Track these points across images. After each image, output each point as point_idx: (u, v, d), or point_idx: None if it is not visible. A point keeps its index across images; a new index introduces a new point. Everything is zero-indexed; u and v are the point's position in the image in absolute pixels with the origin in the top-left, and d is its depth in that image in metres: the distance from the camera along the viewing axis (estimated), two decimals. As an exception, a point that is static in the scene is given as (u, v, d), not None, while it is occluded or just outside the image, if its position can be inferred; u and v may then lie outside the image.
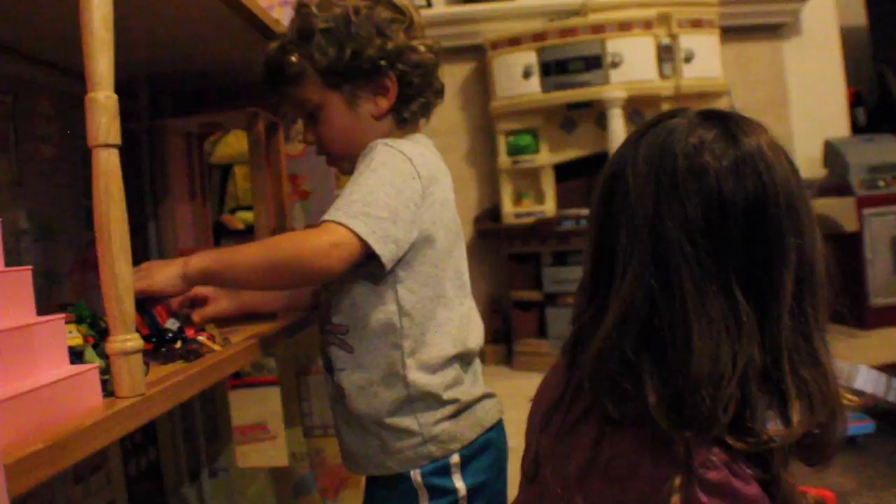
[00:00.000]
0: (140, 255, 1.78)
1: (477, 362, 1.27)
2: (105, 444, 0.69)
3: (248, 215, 4.21)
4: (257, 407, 3.25)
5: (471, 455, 1.19)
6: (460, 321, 1.22)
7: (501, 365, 4.17)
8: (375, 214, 1.07)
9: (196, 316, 1.21)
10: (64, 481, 1.31)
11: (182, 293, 1.14)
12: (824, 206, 4.05)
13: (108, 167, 0.75)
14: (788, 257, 0.73)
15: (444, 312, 1.19)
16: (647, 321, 0.74)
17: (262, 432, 3.09)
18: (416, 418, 1.16)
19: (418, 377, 1.15)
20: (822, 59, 4.57)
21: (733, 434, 0.70)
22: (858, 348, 3.55)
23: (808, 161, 4.41)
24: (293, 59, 1.19)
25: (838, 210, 3.99)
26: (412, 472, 1.16)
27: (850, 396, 0.78)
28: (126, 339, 0.75)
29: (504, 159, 4.17)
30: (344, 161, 1.24)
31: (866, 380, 2.20)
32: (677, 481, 0.69)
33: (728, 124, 0.79)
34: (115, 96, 0.75)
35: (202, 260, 1.09)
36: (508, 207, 4.19)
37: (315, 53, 1.18)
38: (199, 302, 1.24)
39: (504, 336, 4.27)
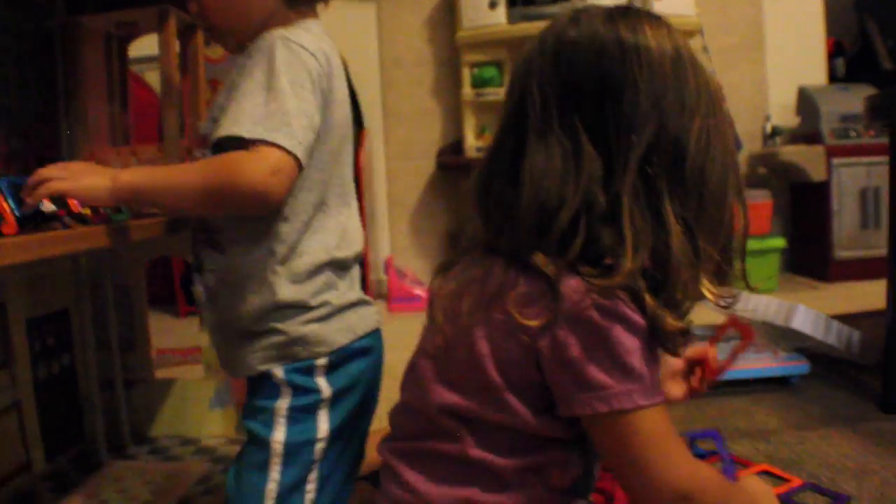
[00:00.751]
0: (52, 152, 1.73)
1: (355, 270, 1.23)
2: None
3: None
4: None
5: (339, 361, 1.15)
6: (336, 229, 1.17)
7: (459, 301, 4.13)
8: (297, 124, 1.03)
9: None
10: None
11: (105, 206, 1.11)
12: (792, 153, 3.99)
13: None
14: (640, 129, 0.80)
15: (321, 219, 1.15)
16: (511, 162, 0.84)
17: (200, 354, 3.08)
18: (284, 322, 1.12)
19: (286, 285, 1.11)
20: (802, 4, 4.45)
21: (589, 267, 0.78)
22: (818, 300, 3.52)
23: (781, 108, 4.35)
24: None
25: (807, 158, 3.92)
26: (274, 369, 1.13)
27: (712, 289, 0.83)
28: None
29: (468, 91, 4.08)
30: (227, 36, 1.18)
31: (804, 320, 2.17)
32: (546, 308, 0.78)
33: (614, 12, 0.86)
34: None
35: (134, 176, 1.05)
36: (471, 141, 4.12)
37: None
38: None
39: (463, 271, 4.22)
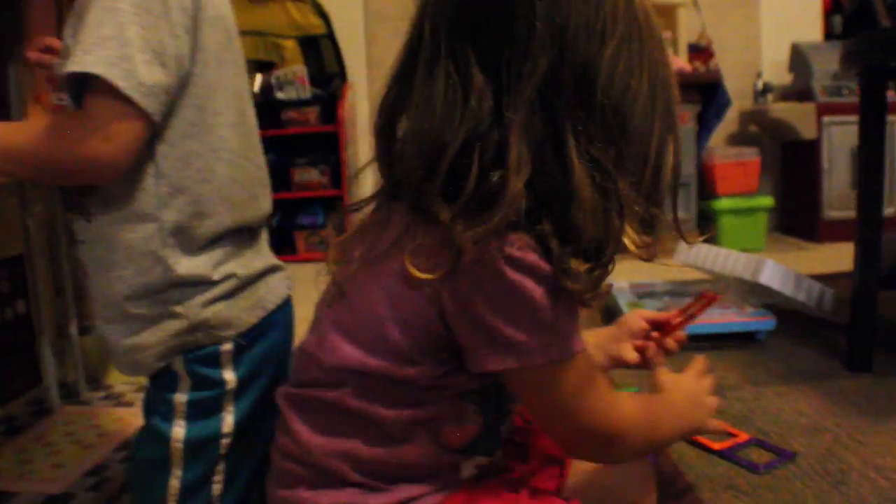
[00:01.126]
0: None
1: (263, 232, 1.08)
2: None
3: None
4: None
5: (246, 343, 1.01)
6: (245, 181, 1.01)
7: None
8: (140, 60, 0.85)
9: None
10: None
11: None
12: (782, 110, 3.94)
13: None
14: (535, 57, 0.70)
15: (228, 171, 0.98)
16: (406, 100, 0.75)
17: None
18: (182, 303, 0.96)
19: (181, 259, 0.95)
20: (798, -43, 4.37)
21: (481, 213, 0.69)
22: (805, 260, 3.49)
23: (774, 65, 4.29)
24: None
25: (797, 116, 3.87)
26: (173, 360, 0.99)
27: (635, 238, 0.75)
28: None
29: (454, 44, 3.98)
30: None
31: (773, 275, 2.14)
32: (446, 259, 0.69)
33: None
34: None
35: None
36: (456, 95, 4.03)
37: None
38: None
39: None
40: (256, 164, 1.05)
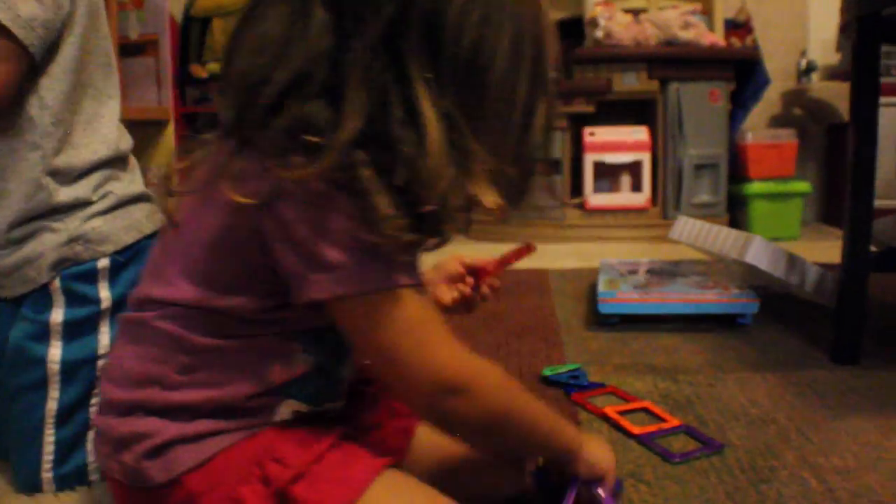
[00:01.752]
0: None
1: (135, 164, 1.14)
2: None
3: (216, 66, 4.12)
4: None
5: (123, 262, 1.06)
6: (109, 116, 1.08)
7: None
8: None
9: None
10: None
11: None
12: (824, 90, 3.71)
13: None
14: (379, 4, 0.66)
15: (93, 106, 1.05)
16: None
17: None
18: (62, 220, 1.02)
19: (61, 187, 1.01)
20: (854, -71, 4.11)
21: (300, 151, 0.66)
22: (836, 249, 3.26)
23: (821, 43, 4.05)
24: None
25: (839, 96, 3.63)
26: (51, 277, 1.02)
27: (494, 198, 0.70)
28: None
29: None
30: None
31: (759, 253, 1.97)
32: (266, 183, 0.67)
33: None
34: None
35: None
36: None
37: None
38: None
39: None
40: (117, 100, 1.11)
